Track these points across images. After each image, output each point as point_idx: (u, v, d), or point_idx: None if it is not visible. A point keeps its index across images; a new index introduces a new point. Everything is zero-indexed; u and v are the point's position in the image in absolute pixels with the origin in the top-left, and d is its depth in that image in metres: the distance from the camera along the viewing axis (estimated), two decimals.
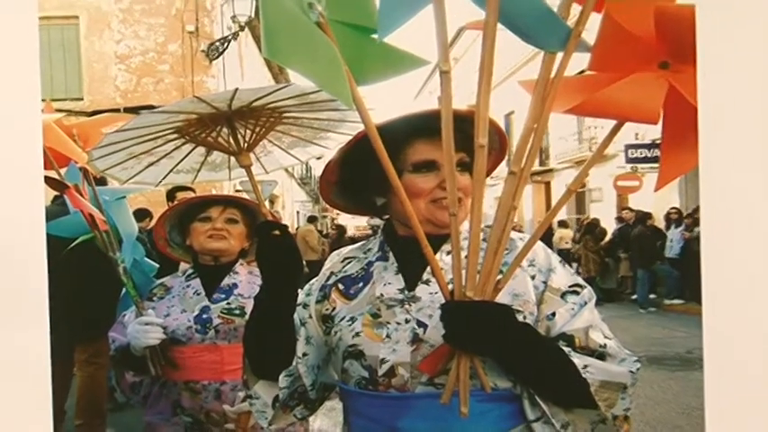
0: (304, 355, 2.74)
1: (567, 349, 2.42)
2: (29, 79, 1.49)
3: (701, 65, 1.42)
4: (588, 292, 2.60)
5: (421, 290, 2.56)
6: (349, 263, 2.84)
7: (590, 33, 2.02)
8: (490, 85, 2.04)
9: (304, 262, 2.87)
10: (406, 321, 2.52)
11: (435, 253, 2.33)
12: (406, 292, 2.57)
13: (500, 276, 2.27)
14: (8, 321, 1.43)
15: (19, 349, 1.47)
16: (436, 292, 2.43)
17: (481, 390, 2.31)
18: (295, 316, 2.76)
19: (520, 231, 2.87)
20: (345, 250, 2.98)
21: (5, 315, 1.43)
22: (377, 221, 2.94)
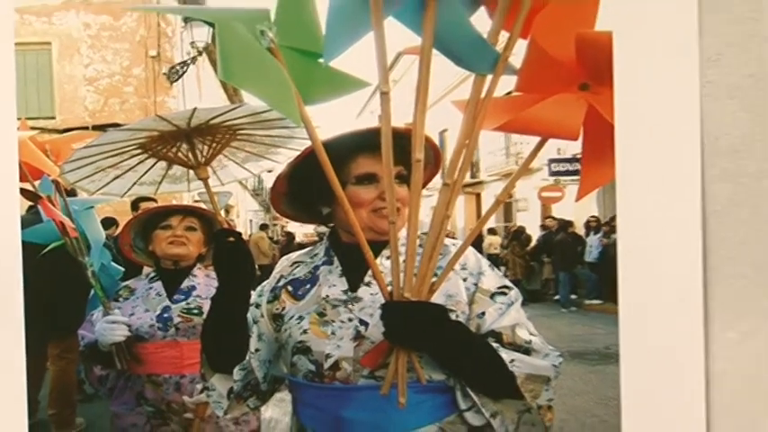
0: (256, 350, 2.74)
1: (495, 345, 2.43)
2: (5, 99, 1.51)
3: (618, 86, 1.45)
4: (515, 293, 2.61)
5: (363, 291, 2.56)
6: (297, 267, 2.83)
7: (517, 57, 2.02)
8: (426, 104, 2.05)
9: (256, 266, 2.87)
10: (350, 320, 2.52)
11: (376, 258, 2.32)
12: (350, 293, 2.57)
13: (435, 279, 2.28)
14: None
15: None
16: (377, 293, 2.43)
17: (417, 382, 2.33)
18: (248, 315, 2.76)
19: (453, 238, 2.85)
20: (294, 255, 2.97)
21: None
22: (323, 229, 2.94)
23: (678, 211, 1.47)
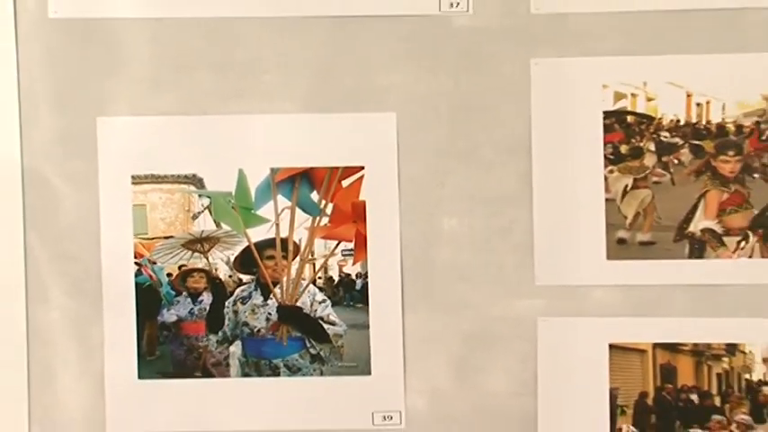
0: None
1: (321, 322, 2.31)
2: (126, 227, 1.88)
3: (369, 223, 1.91)
4: (329, 302, 2.27)
5: (269, 301, 2.34)
6: (243, 291, 2.38)
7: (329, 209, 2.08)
8: (293, 227, 2.18)
9: (227, 291, 2.84)
10: (264, 311, 2.45)
11: (273, 287, 2.26)
12: (263, 301, 2.23)
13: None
14: None
15: None
16: (275, 301, 2.31)
17: (291, 335, 2.36)
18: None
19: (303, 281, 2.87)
20: (242, 286, 2.55)
21: None
22: (254, 276, 2.98)
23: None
